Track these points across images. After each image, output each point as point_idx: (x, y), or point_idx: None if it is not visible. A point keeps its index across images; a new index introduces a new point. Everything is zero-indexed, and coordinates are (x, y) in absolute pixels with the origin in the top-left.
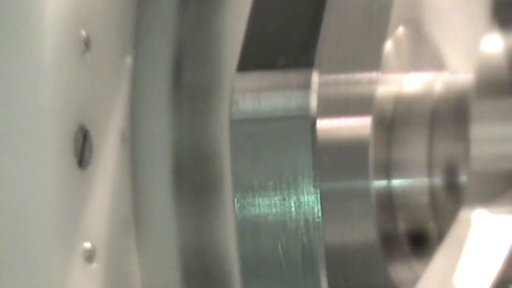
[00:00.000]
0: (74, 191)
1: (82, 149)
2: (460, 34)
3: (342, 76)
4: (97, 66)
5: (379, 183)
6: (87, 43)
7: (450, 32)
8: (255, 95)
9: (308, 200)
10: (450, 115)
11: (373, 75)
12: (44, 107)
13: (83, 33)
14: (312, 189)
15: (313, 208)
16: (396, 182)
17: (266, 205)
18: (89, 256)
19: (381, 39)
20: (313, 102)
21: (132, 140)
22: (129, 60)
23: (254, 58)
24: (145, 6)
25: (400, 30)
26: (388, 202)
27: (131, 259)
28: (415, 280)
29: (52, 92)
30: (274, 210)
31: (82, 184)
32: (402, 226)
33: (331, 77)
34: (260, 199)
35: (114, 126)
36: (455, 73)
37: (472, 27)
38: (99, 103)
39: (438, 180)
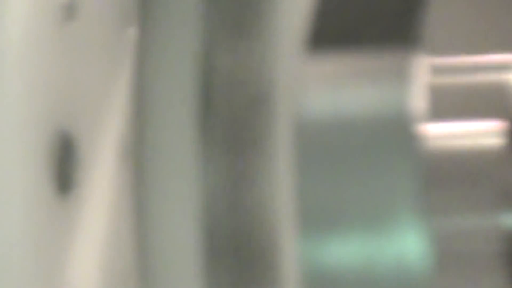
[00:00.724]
0: (52, 227)
1: (64, 166)
2: None
3: (460, 60)
4: (85, 43)
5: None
6: (71, 8)
7: None
8: (331, 88)
9: (411, 243)
10: None
11: (508, 58)
12: (11, 106)
13: None
14: (416, 227)
15: (418, 255)
16: None
17: (347, 250)
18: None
19: None
20: (420, 99)
21: (138, 155)
22: (131, 34)
23: (328, 34)
24: None
25: None
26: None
27: None
28: None
29: (18, 82)
30: (358, 257)
31: (64, 217)
32: None
33: (444, 61)
34: (338, 241)
35: (110, 135)
36: None
37: None
38: (88, 98)
39: None
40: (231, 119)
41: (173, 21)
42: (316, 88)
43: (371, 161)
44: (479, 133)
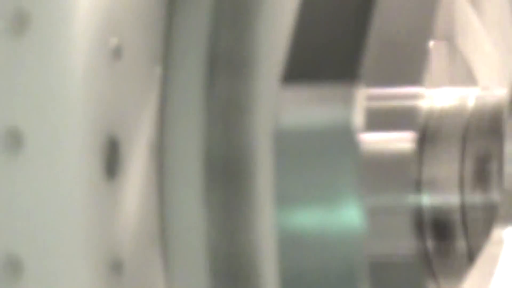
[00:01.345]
0: (103, 201)
1: (111, 159)
2: (492, 51)
3: (385, 90)
4: (128, 75)
5: (412, 199)
6: (118, 52)
7: (483, 48)
8: (299, 108)
9: (351, 215)
10: (483, 131)
11: (417, 89)
12: (73, 118)
13: (114, 41)
14: (355, 204)
15: (355, 223)
16: (427, 199)
17: (308, 219)
18: (117, 268)
19: (424, 53)
20: (358, 116)
21: (161, 151)
22: (158, 69)
23: (298, 70)
24: (176, 13)
25: (433, 44)
26: (418, 219)
27: (156, 270)
28: None
29: (81, 102)
30: (316, 223)
31: (110, 195)
32: (431, 244)
33: (375, 91)
34: (302, 212)
35: (144, 137)
36: (488, 89)
37: (504, 43)
38: (129, 113)
39: (469, 198)
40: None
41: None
42: (288, 108)
43: (326, 159)
44: (397, 139)
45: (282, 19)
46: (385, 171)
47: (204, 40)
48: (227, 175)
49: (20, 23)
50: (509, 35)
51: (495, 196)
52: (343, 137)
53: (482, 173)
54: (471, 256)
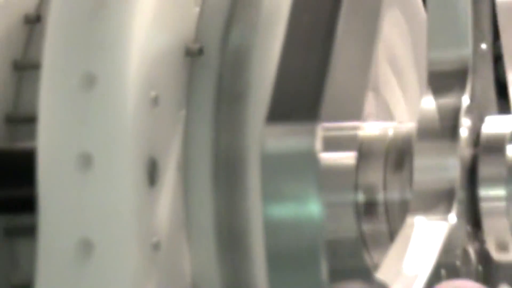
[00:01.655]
0: (146, 201)
1: (152, 173)
2: (405, 97)
3: (336, 124)
4: (162, 117)
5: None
6: (155, 101)
7: (398, 95)
8: (278, 139)
9: (314, 208)
10: (399, 150)
11: (357, 123)
12: (127, 146)
13: (153, 93)
14: (316, 201)
15: (317, 213)
16: (362, 196)
17: (285, 211)
18: (156, 247)
19: (362, 100)
20: (318, 144)
21: (184, 168)
22: (183, 112)
23: (277, 113)
24: (193, 74)
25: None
26: (356, 210)
27: (184, 252)
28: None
29: (132, 135)
30: (290, 214)
31: (151, 197)
32: (365, 227)
33: (330, 125)
34: (281, 206)
35: (173, 158)
36: (402, 123)
37: (414, 91)
38: (164, 142)
39: (391, 196)
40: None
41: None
42: (270, 139)
43: (298, 171)
44: (344, 158)
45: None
46: (336, 178)
47: (212, 91)
48: (228, 176)
49: (89, 82)
50: (414, 87)
51: (408, 194)
52: (309, 157)
53: (399, 179)
54: (391, 236)
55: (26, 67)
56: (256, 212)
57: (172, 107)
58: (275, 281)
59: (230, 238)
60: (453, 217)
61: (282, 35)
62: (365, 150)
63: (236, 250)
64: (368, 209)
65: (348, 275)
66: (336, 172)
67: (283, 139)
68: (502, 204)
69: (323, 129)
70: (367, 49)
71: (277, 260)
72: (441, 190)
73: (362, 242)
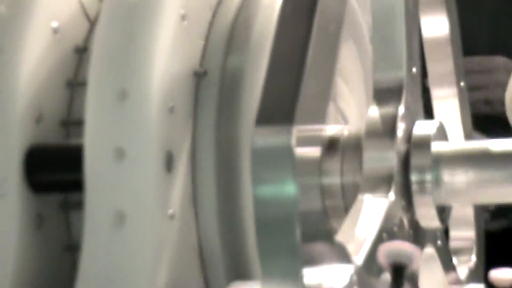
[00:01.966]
0: (165, 184)
1: (169, 163)
2: (356, 106)
3: (307, 127)
4: (177, 122)
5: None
6: (172, 110)
7: (350, 104)
8: (264, 138)
9: (290, 190)
10: (352, 147)
11: (322, 126)
12: (150, 142)
13: (170, 104)
14: (292, 183)
15: (292, 193)
16: (324, 180)
17: (267, 193)
18: (171, 217)
19: (326, 108)
20: (293, 141)
21: (193, 159)
22: (192, 118)
23: (263, 118)
24: (199, 90)
25: None
26: (322, 192)
27: (192, 222)
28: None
29: (154, 134)
30: (272, 195)
31: (168, 181)
32: (328, 202)
33: (301, 127)
34: (265, 189)
35: (185, 152)
36: (354, 125)
37: (363, 101)
38: (178, 140)
39: (346, 180)
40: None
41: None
42: (257, 137)
43: (277, 162)
44: (311, 152)
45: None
46: (306, 167)
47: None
48: (227, 165)
49: (122, 95)
50: (363, 96)
51: (358, 178)
52: (286, 151)
53: (352, 167)
54: (346, 210)
55: (76, 85)
56: (248, 192)
57: (184, 115)
58: (262, 244)
59: (228, 211)
60: (392, 195)
61: (267, 60)
62: (327, 146)
63: (233, 220)
64: (329, 189)
65: (315, 238)
66: (306, 162)
67: (268, 138)
68: (428, 186)
69: (297, 130)
70: (329, 70)
71: (263, 227)
72: (383, 175)
73: (325, 214)
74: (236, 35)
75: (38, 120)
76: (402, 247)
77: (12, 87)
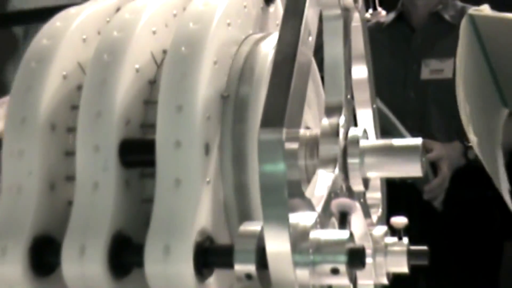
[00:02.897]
0: (205, 161)
1: (207, 149)
2: (313, 119)
3: (289, 129)
4: (212, 124)
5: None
6: (209, 118)
7: (310, 117)
8: (265, 135)
9: (281, 167)
10: (313, 143)
11: (298, 129)
12: (197, 137)
13: (207, 114)
14: (282, 163)
15: (283, 169)
16: (300, 163)
17: (269, 168)
18: (208, 183)
19: (301, 117)
20: (283, 138)
21: (220, 149)
22: (219, 123)
23: (265, 123)
24: (224, 107)
25: None
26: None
27: (220, 187)
28: None
29: (199, 132)
30: (271, 169)
31: (207, 160)
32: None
33: (287, 130)
34: (267, 166)
35: (215, 143)
36: (314, 130)
37: (317, 116)
38: (212, 136)
39: (309, 163)
40: None
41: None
42: (262, 135)
43: (274, 149)
44: (292, 144)
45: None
46: (290, 154)
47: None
48: (241, 153)
49: (179, 109)
50: (317, 113)
51: (316, 161)
52: (279, 144)
53: (314, 153)
54: (309, 180)
55: (149, 102)
56: (255, 170)
57: (215, 121)
58: (264, 200)
59: (241, 183)
60: (336, 171)
61: (266, 87)
62: (300, 141)
63: (243, 186)
64: (306, 168)
65: (294, 196)
66: (290, 151)
67: (267, 135)
68: (357, 165)
69: (286, 131)
70: (303, 96)
71: (265, 190)
72: (331, 159)
73: (299, 182)
74: (245, 73)
75: (127, 123)
76: (346, 201)
77: (113, 104)
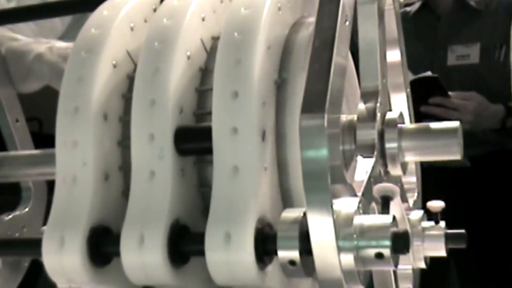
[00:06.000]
0: (262, 148)
1: (264, 136)
2: (349, 104)
3: (330, 115)
4: (268, 111)
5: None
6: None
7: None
8: (306, 121)
9: (324, 152)
10: (351, 128)
11: (338, 115)
12: (252, 123)
13: (262, 100)
14: (325, 148)
15: (325, 154)
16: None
17: (310, 153)
18: (265, 169)
19: (341, 101)
20: (325, 123)
21: (276, 133)
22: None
23: (305, 109)
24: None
25: None
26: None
27: (275, 172)
28: None
29: (255, 118)
30: (313, 155)
31: (264, 146)
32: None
33: (329, 116)
34: (309, 151)
35: (272, 130)
36: (351, 115)
37: (352, 101)
38: (268, 124)
39: (347, 148)
40: None
41: None
42: (303, 121)
43: (316, 138)
44: (334, 129)
45: None
46: (332, 138)
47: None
48: (281, 137)
49: (235, 95)
50: (352, 99)
51: (354, 147)
52: (321, 128)
53: (353, 139)
54: (347, 167)
55: (201, 91)
56: (297, 155)
57: (270, 107)
58: (307, 185)
59: (281, 167)
60: (374, 156)
61: (306, 72)
62: (341, 125)
63: (284, 173)
64: (344, 154)
65: (336, 181)
66: (331, 136)
67: (309, 120)
68: (395, 150)
69: (327, 117)
70: (342, 84)
71: (308, 175)
72: (369, 144)
73: (342, 167)
74: (295, 57)
75: (181, 111)
76: (389, 185)
77: (167, 92)
